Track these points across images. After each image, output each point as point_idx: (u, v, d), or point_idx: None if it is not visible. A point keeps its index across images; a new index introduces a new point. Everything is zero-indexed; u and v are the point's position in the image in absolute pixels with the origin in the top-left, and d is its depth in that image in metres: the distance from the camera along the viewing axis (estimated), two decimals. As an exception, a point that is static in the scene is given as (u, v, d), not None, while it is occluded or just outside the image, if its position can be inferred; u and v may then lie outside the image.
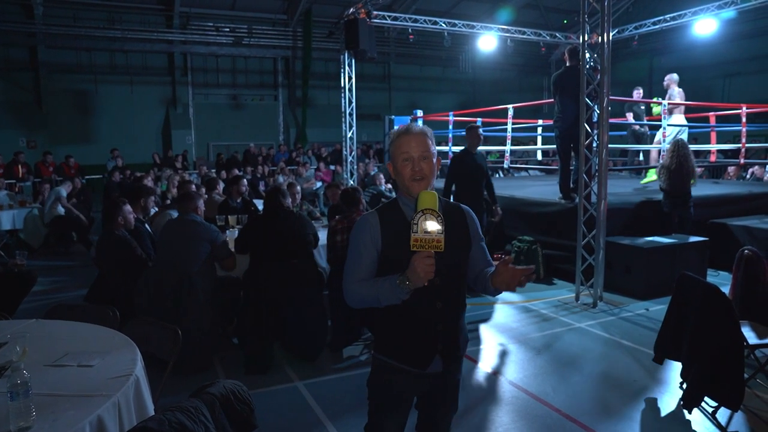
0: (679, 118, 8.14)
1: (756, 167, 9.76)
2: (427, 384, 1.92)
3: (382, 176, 9.15)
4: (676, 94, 8.09)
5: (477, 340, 4.52)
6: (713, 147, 9.34)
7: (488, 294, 1.92)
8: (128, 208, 4.40)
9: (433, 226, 1.61)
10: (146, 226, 4.98)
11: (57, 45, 15.24)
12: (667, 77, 8.25)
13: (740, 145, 8.84)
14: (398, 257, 1.74)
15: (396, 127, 1.87)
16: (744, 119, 8.84)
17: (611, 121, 7.85)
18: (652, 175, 8.02)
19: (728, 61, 16.07)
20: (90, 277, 5.49)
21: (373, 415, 1.97)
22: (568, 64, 6.30)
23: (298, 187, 6.37)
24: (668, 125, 7.99)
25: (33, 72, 15.28)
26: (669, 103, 8.02)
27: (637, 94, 8.59)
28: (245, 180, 6.43)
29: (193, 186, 7.06)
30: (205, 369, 3.89)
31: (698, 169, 8.77)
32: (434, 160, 1.84)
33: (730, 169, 10.42)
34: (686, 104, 8.38)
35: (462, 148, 6.00)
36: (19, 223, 8.14)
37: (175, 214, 4.87)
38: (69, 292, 6.03)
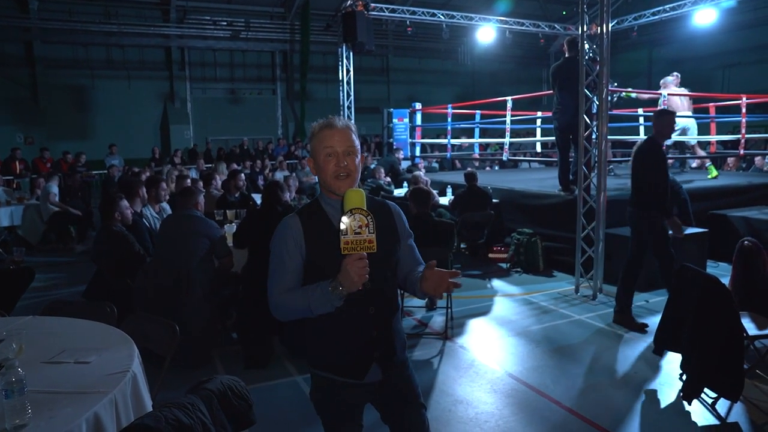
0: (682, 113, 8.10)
1: (758, 158, 9.73)
2: (372, 393, 1.81)
3: (381, 169, 9.15)
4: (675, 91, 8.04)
5: (477, 333, 4.52)
6: (713, 138, 9.30)
7: (417, 297, 1.87)
8: (125, 203, 4.38)
9: (363, 226, 1.54)
10: (144, 220, 4.96)
11: (53, 40, 15.14)
12: (663, 82, 8.23)
13: (740, 135, 8.81)
14: (325, 262, 1.65)
15: (317, 121, 1.77)
16: (744, 110, 8.81)
17: (615, 112, 7.83)
18: None
19: (728, 52, 15.97)
20: (88, 273, 5.47)
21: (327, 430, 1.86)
22: (567, 56, 6.25)
23: (293, 181, 6.35)
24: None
25: (29, 67, 15.19)
26: (669, 95, 7.98)
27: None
28: (243, 174, 6.41)
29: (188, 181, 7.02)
30: (204, 364, 3.88)
31: (699, 162, 8.75)
32: (359, 156, 1.73)
33: (730, 160, 10.39)
34: (686, 95, 8.33)
35: (648, 137, 4.71)
36: (17, 219, 8.13)
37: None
38: (67, 289, 6.02)
